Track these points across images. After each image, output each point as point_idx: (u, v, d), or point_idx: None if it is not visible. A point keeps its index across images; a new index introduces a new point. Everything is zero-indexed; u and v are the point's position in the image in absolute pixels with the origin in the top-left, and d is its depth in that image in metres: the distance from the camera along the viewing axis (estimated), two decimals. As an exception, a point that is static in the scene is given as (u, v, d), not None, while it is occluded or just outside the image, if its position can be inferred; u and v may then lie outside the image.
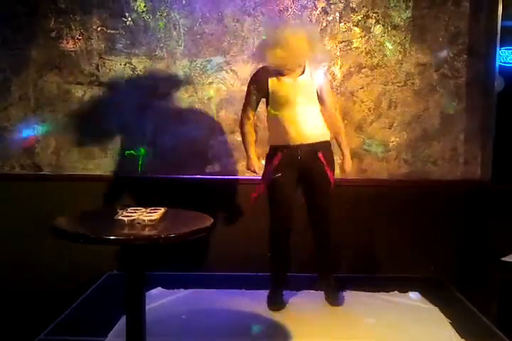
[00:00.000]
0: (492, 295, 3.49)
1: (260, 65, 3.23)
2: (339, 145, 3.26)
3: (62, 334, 2.93)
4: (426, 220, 3.87)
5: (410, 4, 3.84)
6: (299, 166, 3.13)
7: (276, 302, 3.24)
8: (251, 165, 3.23)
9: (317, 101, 3.14)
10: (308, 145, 3.10)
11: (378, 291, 3.53)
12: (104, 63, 3.88)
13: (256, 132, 3.29)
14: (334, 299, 3.31)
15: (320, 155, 3.12)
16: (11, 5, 3.82)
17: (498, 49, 3.72)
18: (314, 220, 3.25)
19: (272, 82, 3.10)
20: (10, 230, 3.79)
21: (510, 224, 3.69)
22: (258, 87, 3.15)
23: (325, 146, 3.17)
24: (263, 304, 3.26)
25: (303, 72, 3.11)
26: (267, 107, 3.19)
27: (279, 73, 3.09)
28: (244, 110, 3.23)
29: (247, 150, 3.25)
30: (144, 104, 3.90)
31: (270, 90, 3.10)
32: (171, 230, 2.34)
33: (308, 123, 3.08)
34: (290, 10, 3.85)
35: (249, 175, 3.90)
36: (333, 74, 3.86)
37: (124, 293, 2.41)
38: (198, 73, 3.90)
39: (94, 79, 3.89)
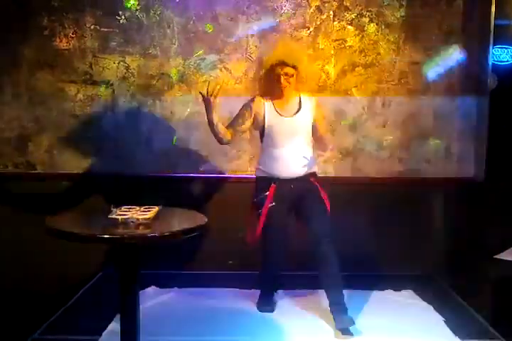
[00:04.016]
0: (485, 293, 3.51)
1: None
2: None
3: (56, 333, 2.92)
4: (419, 218, 3.88)
5: (404, 3, 3.85)
6: (292, 193, 3.13)
7: (266, 304, 3.24)
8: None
9: (311, 136, 3.16)
10: (300, 176, 3.14)
11: (372, 289, 3.54)
12: (97, 61, 3.87)
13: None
14: (347, 324, 2.93)
15: (312, 179, 3.17)
16: (4, 3, 3.80)
17: (491, 47, 3.74)
18: (316, 242, 3.06)
19: (269, 116, 3.10)
20: (2, 229, 3.78)
21: (502, 222, 3.71)
22: (249, 115, 3.13)
23: (315, 173, 3.23)
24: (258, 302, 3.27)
25: (299, 109, 3.12)
26: (261, 139, 3.19)
27: (276, 102, 3.10)
28: (228, 124, 3.18)
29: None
30: (138, 103, 3.89)
31: (267, 125, 3.11)
32: (164, 229, 2.35)
33: (301, 161, 3.10)
34: (284, 8, 3.85)
35: (242, 174, 3.92)
36: (327, 73, 3.87)
37: (118, 292, 2.41)
38: (192, 71, 3.89)
39: (88, 77, 3.88)
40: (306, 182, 3.15)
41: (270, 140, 3.12)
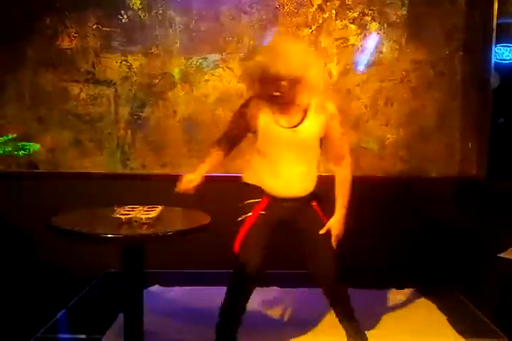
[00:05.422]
0: (488, 291, 3.50)
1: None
2: (336, 200, 2.66)
3: (60, 332, 2.93)
4: (422, 217, 3.88)
5: (406, 1, 3.85)
6: (286, 214, 2.61)
7: None
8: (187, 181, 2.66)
9: (317, 151, 2.62)
10: (298, 198, 2.60)
11: (375, 288, 3.54)
12: (100, 61, 3.87)
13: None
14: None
15: (314, 204, 2.65)
16: (6, 3, 3.80)
17: (493, 46, 3.72)
18: (318, 274, 2.67)
19: (264, 123, 2.54)
20: (7, 228, 3.78)
21: (505, 221, 3.70)
22: (245, 122, 2.59)
23: (316, 195, 2.67)
24: (260, 301, 3.25)
25: (303, 118, 2.55)
26: (256, 143, 2.62)
27: (276, 107, 2.54)
28: (219, 140, 2.73)
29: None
30: (140, 102, 3.90)
31: (260, 133, 2.56)
32: (168, 228, 2.35)
33: (300, 179, 2.58)
34: (286, 7, 3.85)
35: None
36: (330, 72, 3.87)
37: (121, 291, 2.42)
38: (194, 71, 3.89)
39: (90, 76, 3.88)
40: (305, 207, 2.62)
41: (264, 149, 2.58)
